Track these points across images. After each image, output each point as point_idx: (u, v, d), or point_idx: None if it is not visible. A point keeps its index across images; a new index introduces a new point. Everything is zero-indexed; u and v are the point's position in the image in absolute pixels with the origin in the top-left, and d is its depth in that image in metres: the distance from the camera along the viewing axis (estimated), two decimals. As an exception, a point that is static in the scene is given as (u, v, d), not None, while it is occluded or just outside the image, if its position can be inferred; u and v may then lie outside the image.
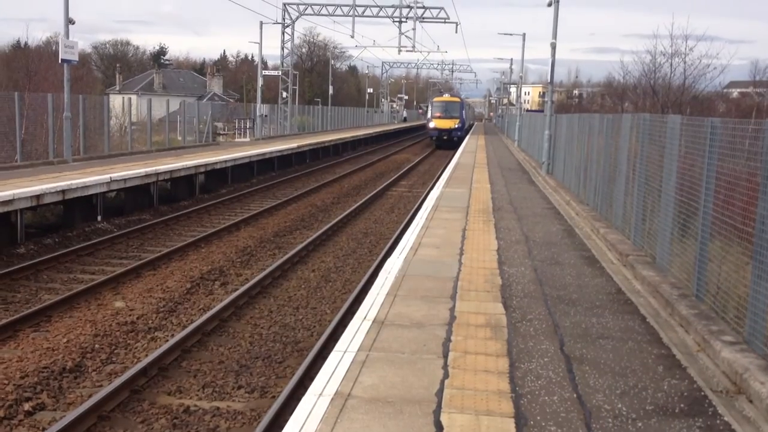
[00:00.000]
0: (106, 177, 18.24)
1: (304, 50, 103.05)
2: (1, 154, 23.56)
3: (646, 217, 11.13)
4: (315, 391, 5.74)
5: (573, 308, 8.37)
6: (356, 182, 30.63)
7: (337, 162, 40.84)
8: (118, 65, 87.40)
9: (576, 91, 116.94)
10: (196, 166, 23.73)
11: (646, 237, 11.04)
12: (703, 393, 6.03)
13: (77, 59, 24.72)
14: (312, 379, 6.25)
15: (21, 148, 22.72)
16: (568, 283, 9.57)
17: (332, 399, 5.57)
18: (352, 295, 11.85)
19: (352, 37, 48.61)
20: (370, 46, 62.10)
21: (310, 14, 46.69)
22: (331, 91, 69.11)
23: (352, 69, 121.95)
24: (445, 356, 6.57)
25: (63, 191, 16.38)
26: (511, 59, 74.82)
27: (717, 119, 8.41)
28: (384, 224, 19.93)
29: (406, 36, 48.53)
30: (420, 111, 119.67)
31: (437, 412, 5.40)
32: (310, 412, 5.35)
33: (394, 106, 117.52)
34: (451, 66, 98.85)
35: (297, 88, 54.41)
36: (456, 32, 53.21)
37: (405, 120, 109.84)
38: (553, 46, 26.45)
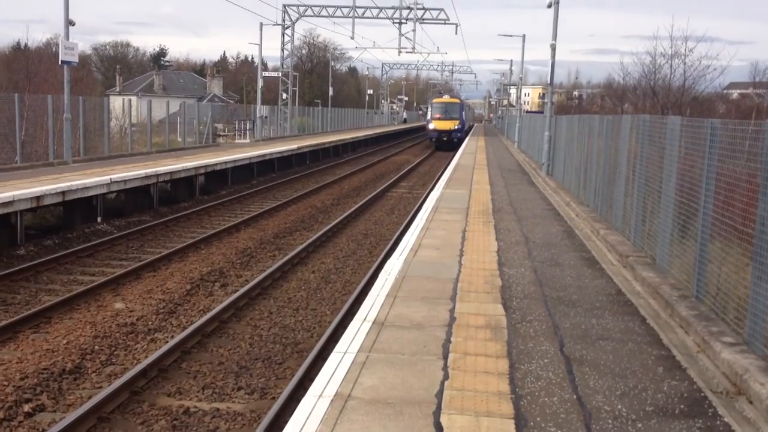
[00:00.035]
0: (106, 178, 18.25)
1: (304, 51, 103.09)
2: (1, 155, 23.58)
3: (646, 219, 11.13)
4: (315, 392, 5.74)
5: (573, 309, 8.36)
6: (356, 183, 30.64)
7: (337, 163, 40.85)
8: (118, 67, 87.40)
9: (576, 93, 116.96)
10: (196, 168, 23.74)
11: (646, 238, 11.04)
12: (703, 394, 6.03)
13: (77, 61, 24.72)
14: (312, 380, 6.25)
15: (21, 149, 22.73)
16: (568, 285, 9.56)
17: (332, 400, 5.57)
18: (352, 296, 11.85)
19: (352, 38, 48.69)
20: (370, 47, 62.07)
21: (310, 15, 46.72)
22: (331, 92, 69.14)
23: (352, 70, 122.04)
24: (445, 357, 6.57)
25: (63, 192, 16.38)
26: (511, 60, 74.83)
27: (717, 120, 8.41)
28: (384, 225, 19.94)
29: (406, 37, 48.57)
30: (420, 112, 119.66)
31: (437, 413, 5.40)
32: (309, 414, 5.35)
33: (394, 107, 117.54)
34: (451, 67, 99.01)
35: (297, 89, 54.46)
36: (456, 33, 53.41)
37: (405, 121, 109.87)
38: (553, 48, 26.46)
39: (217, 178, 26.36)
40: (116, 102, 35.09)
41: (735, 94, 67.96)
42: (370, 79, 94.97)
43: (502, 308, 8.25)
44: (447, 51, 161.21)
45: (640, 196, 11.47)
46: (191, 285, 12.73)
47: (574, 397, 5.83)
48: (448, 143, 54.33)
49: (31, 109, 25.25)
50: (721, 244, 7.77)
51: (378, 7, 45.76)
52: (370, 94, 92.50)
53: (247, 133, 43.74)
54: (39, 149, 25.02)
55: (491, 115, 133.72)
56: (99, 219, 18.36)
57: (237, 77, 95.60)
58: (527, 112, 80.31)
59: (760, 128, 6.93)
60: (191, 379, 8.58)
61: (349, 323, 7.70)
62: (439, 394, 5.73)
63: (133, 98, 40.70)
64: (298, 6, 46.36)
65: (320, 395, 5.67)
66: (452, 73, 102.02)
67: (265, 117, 45.40)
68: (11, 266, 13.50)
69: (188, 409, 7.72)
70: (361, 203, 23.36)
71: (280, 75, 48.88)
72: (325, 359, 6.74)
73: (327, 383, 5.91)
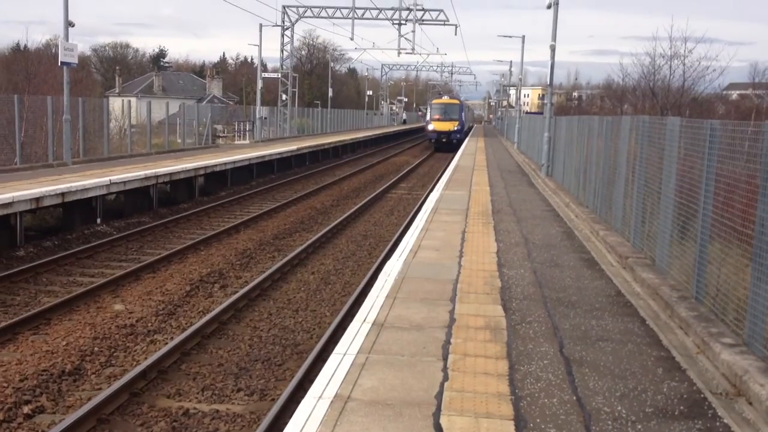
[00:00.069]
0: (105, 179, 18.25)
1: (303, 53, 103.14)
2: (1, 156, 23.57)
3: (645, 220, 11.13)
4: (314, 393, 5.74)
5: (572, 310, 8.36)
6: (356, 185, 30.64)
7: (336, 164, 40.85)
8: (118, 68, 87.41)
9: (575, 93, 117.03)
10: (196, 169, 23.73)
11: (645, 239, 11.04)
12: (702, 395, 6.03)
13: (77, 62, 24.71)
14: (311, 381, 6.24)
15: (20, 150, 22.72)
16: (567, 286, 9.56)
17: (332, 402, 5.57)
18: (352, 297, 11.85)
19: (352, 39, 48.74)
20: (369, 48, 62.19)
21: (310, 17, 46.74)
22: (330, 93, 69.20)
23: (352, 71, 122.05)
24: (445, 359, 6.57)
25: (62, 194, 16.38)
26: (511, 61, 74.86)
27: (716, 121, 8.41)
28: (383, 227, 19.94)
29: (405, 38, 48.60)
30: (419, 113, 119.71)
31: (437, 414, 5.40)
32: (309, 415, 5.34)
33: (394, 108, 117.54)
34: (450, 68, 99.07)
35: (296, 90, 54.47)
36: (455, 34, 53.49)
37: (404, 122, 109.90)
38: (553, 49, 26.47)
39: (216, 179, 26.36)
40: (116, 103, 35.12)
41: (734, 95, 68.00)
42: (369, 80, 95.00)
43: (502, 309, 8.25)
44: (446, 52, 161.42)
45: (639, 197, 11.47)
46: (191, 286, 12.72)
47: (574, 398, 5.82)
48: (447, 144, 54.22)
49: (31, 111, 25.25)
50: (721, 245, 7.77)
51: (377, 8, 45.82)
52: (369, 95, 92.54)
53: (247, 134, 43.75)
54: (38, 150, 25.01)
55: (491, 116, 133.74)
56: (98, 220, 18.35)
57: (236, 78, 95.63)
58: (527, 113, 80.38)
59: (760, 129, 6.93)
60: (191, 381, 8.57)
61: (348, 324, 7.70)
62: (439, 396, 5.73)
63: (133, 99, 40.74)
64: (297, 7, 46.41)
65: (320, 397, 5.67)
66: (452, 74, 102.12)
67: (265, 118, 45.41)
68: (11, 267, 13.49)
69: (188, 411, 7.72)
70: (360, 204, 23.36)
71: (279, 76, 48.90)
72: (324, 360, 6.73)
73: (327, 385, 5.91)
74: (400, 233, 17.43)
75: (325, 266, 14.77)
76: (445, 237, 12.70)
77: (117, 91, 77.56)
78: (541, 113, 40.98)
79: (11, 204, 14.69)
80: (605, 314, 8.28)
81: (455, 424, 5.25)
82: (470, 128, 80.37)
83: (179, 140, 35.91)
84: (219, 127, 45.47)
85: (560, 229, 14.37)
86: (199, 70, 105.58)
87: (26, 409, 7.60)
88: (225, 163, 26.33)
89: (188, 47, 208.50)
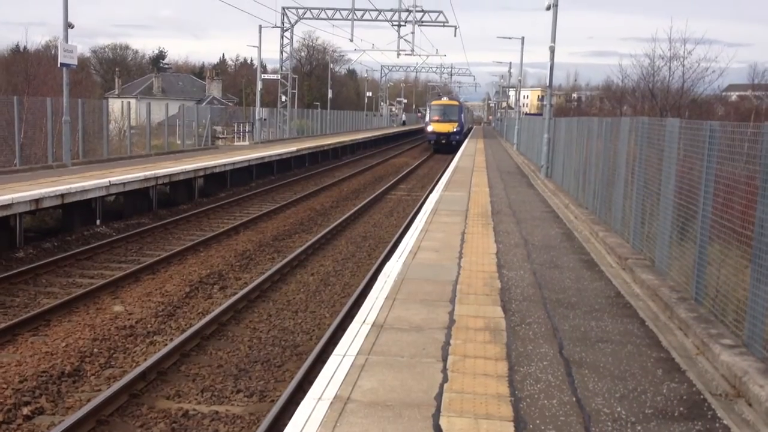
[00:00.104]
0: (105, 181, 18.24)
1: (303, 54, 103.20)
2: (0, 158, 23.56)
3: (645, 221, 11.13)
4: (314, 395, 5.74)
5: (572, 312, 8.36)
6: (355, 186, 30.64)
7: (336, 165, 40.86)
8: (117, 69, 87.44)
9: (575, 95, 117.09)
10: (195, 170, 23.73)
11: (645, 240, 11.04)
12: (702, 396, 6.03)
13: (76, 63, 24.72)
14: (311, 383, 6.25)
15: (20, 152, 22.71)
16: (567, 287, 9.56)
17: (331, 403, 5.57)
18: (351, 298, 11.85)
19: (351, 40, 48.79)
20: (369, 49, 62.34)
21: (309, 18, 46.81)
22: (330, 94, 69.24)
23: (351, 72, 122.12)
24: (445, 360, 6.57)
25: (62, 195, 16.38)
26: (510, 63, 74.98)
27: (715, 122, 8.42)
28: (383, 228, 19.94)
29: (405, 39, 48.64)
30: (419, 114, 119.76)
31: (436, 415, 5.39)
32: (309, 416, 5.34)
33: (393, 109, 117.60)
34: (450, 69, 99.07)
35: (296, 91, 54.49)
36: (455, 36, 53.68)
37: (404, 123, 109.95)
38: (552, 50, 26.48)
39: (216, 180, 26.36)
40: (115, 104, 35.14)
41: (734, 96, 68.07)
42: (369, 82, 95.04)
43: (502, 310, 8.25)
44: (446, 53, 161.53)
45: (639, 198, 11.48)
46: (190, 287, 12.72)
47: (574, 399, 5.82)
48: (446, 146, 54.15)
49: (30, 112, 25.24)
50: (720, 246, 7.77)
51: (377, 10, 45.85)
52: (369, 97, 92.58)
53: (246, 136, 43.75)
54: (38, 152, 25.00)
55: (490, 117, 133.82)
56: (98, 222, 18.35)
57: (236, 80, 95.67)
58: (526, 114, 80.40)
59: (759, 130, 6.94)
60: (190, 382, 8.57)
61: (348, 326, 7.70)
62: (439, 397, 5.73)
63: (132, 101, 40.74)
64: (297, 8, 46.45)
65: (319, 398, 5.67)
66: (451, 75, 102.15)
67: (264, 119, 45.43)
68: (10, 269, 13.49)
69: (187, 412, 7.72)
70: (360, 206, 23.36)
71: (279, 77, 48.92)
72: (324, 362, 6.73)
73: (326, 386, 5.91)
74: (400, 234, 17.43)
75: (324, 267, 14.77)
76: (444, 238, 12.70)
77: (116, 92, 77.58)
78: (541, 114, 41.00)
79: (11, 205, 14.68)
80: (605, 315, 8.29)
81: (455, 425, 5.25)
82: (470, 129, 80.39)
83: (179, 141, 35.94)
84: (218, 128, 45.49)
85: (560, 231, 14.37)
86: (199, 72, 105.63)
87: (26, 411, 7.59)
88: (224, 165, 26.33)
89: (188, 49, 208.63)
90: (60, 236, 16.70)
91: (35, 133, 25.58)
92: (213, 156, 29.16)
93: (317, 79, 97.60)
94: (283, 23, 46.64)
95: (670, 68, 40.05)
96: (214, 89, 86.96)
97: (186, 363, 9.17)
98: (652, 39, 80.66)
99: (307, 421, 5.26)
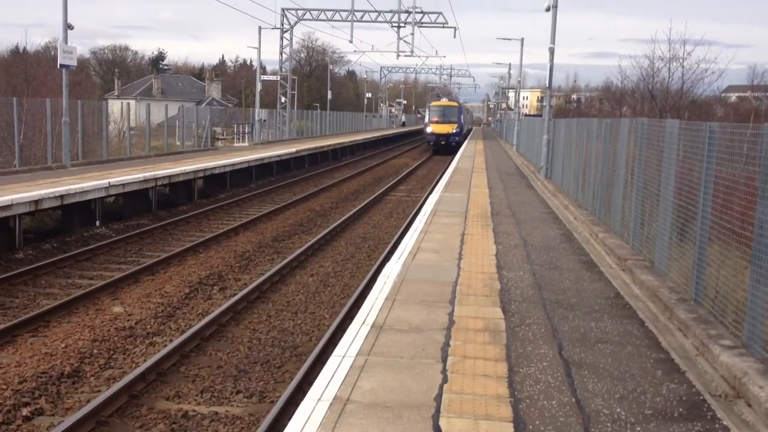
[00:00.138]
0: (104, 182, 18.24)
1: (302, 55, 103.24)
2: (0, 159, 23.55)
3: (644, 222, 11.14)
4: (314, 396, 5.74)
5: (572, 313, 8.37)
6: (355, 187, 30.65)
7: (335, 167, 40.86)
8: (117, 70, 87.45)
9: (574, 96, 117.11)
10: (195, 171, 23.73)
11: (644, 241, 11.05)
12: (701, 397, 6.03)
13: (76, 64, 24.71)
14: (311, 384, 6.25)
15: (19, 153, 22.71)
16: (566, 288, 9.57)
17: (331, 404, 5.57)
18: (351, 299, 11.85)
19: (351, 42, 48.81)
20: (368, 51, 62.47)
21: (309, 19, 46.82)
22: (329, 95, 69.23)
23: (351, 74, 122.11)
24: (444, 361, 6.57)
25: (61, 196, 16.38)
26: (510, 64, 74.97)
27: (715, 124, 8.42)
28: (383, 229, 19.94)
29: (404, 41, 48.65)
30: (418, 116, 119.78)
31: (436, 416, 5.39)
32: (308, 417, 5.34)
33: (393, 110, 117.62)
34: (449, 71, 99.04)
35: (296, 92, 54.49)
36: (454, 37, 53.62)
37: (403, 125, 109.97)
38: (551, 51, 26.49)
39: (215, 181, 26.35)
40: (115, 106, 35.13)
41: (733, 97, 68.08)
42: (368, 83, 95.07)
43: (501, 311, 8.25)
44: (445, 54, 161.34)
45: (638, 199, 11.48)
46: (190, 289, 12.72)
47: (573, 400, 5.82)
48: (446, 147, 54.07)
49: (30, 113, 25.23)
50: (720, 247, 7.77)
51: (376, 11, 45.87)
52: (368, 98, 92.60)
53: (246, 137, 43.76)
54: (37, 153, 25.00)
55: (490, 118, 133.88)
56: (97, 223, 18.34)
57: (236, 81, 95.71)
58: (526, 115, 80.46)
59: (759, 131, 6.94)
60: (190, 383, 8.57)
61: (347, 327, 7.70)
62: (438, 398, 5.73)
63: (132, 102, 40.74)
64: (296, 10, 46.46)
65: (319, 399, 5.67)
66: (451, 76, 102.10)
67: (264, 120, 45.43)
68: (10, 270, 13.49)
69: (187, 413, 7.71)
70: (359, 206, 23.36)
71: (278, 78, 48.93)
72: (323, 363, 6.73)
73: (326, 387, 5.91)
74: (399, 235, 17.42)
75: (324, 268, 14.77)
76: (444, 239, 12.70)
77: (116, 93, 77.56)
78: (540, 116, 41.02)
79: (10, 206, 14.68)
80: (604, 316, 8.29)
81: (454, 426, 5.25)
82: (469, 131, 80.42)
83: (178, 143, 35.91)
84: (218, 129, 45.50)
85: (559, 232, 14.37)
86: (198, 73, 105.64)
87: (25, 411, 7.59)
88: (224, 166, 26.33)
89: (187, 50, 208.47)
90: (59, 237, 16.70)
91: (35, 135, 25.57)
92: (212, 157, 29.16)
93: (317, 81, 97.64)
94: (282, 24, 46.67)
95: (669, 69, 40.12)
96: (214, 90, 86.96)
97: (185, 364, 9.16)
98: (652, 40, 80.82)
99: (306, 422, 5.26)
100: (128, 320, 10.78)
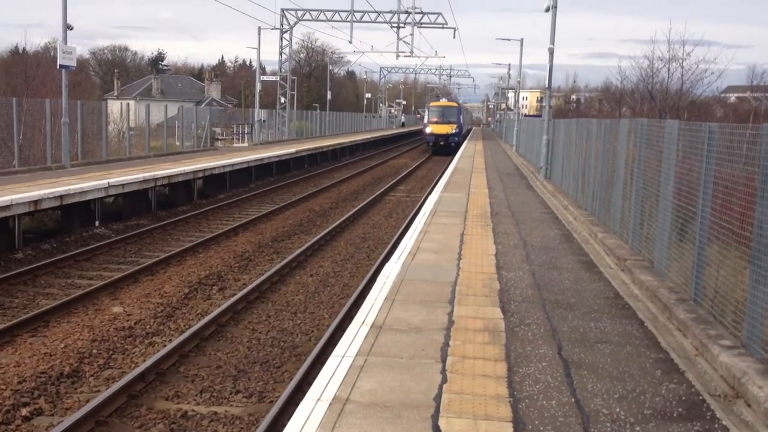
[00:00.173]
0: (104, 182, 18.24)
1: (302, 56, 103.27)
2: (-1, 159, 23.57)
3: (644, 222, 11.14)
4: (313, 396, 5.74)
5: (571, 313, 8.37)
6: (354, 187, 30.65)
7: (335, 167, 40.87)
8: (116, 71, 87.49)
9: (574, 96, 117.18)
10: (194, 172, 23.73)
11: (644, 241, 11.05)
12: (701, 397, 6.03)
13: (75, 65, 24.70)
14: (310, 384, 6.25)
15: (19, 153, 22.71)
16: (566, 288, 9.57)
17: (330, 404, 5.57)
18: (351, 299, 11.85)
19: (350, 42, 48.83)
20: (368, 51, 62.49)
21: (308, 19, 46.80)
22: (329, 96, 69.25)
23: (350, 74, 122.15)
24: (444, 361, 6.57)
25: (61, 197, 16.38)
26: (509, 64, 75.00)
27: (714, 124, 8.42)
28: (382, 229, 19.94)
29: (404, 41, 48.68)
30: (418, 116, 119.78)
31: (435, 416, 5.39)
32: (308, 417, 5.34)
33: (392, 111, 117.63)
34: (449, 71, 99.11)
35: (295, 93, 54.50)
36: (454, 37, 53.57)
37: (403, 125, 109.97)
38: (551, 52, 26.50)
39: (215, 181, 26.35)
40: (114, 106, 35.12)
41: (732, 97, 68.14)
42: (368, 83, 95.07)
43: (501, 312, 8.25)
44: (445, 55, 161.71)
45: (638, 199, 11.49)
46: (189, 289, 12.72)
47: (573, 400, 5.83)
48: (445, 147, 54.01)
49: (29, 113, 25.24)
50: (719, 247, 7.78)
51: (376, 11, 45.87)
52: (368, 98, 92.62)
53: (246, 137, 43.76)
54: (37, 153, 24.99)
55: (489, 118, 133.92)
56: (97, 223, 18.34)
57: (235, 81, 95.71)
58: (525, 115, 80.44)
59: (758, 132, 6.94)
60: (189, 383, 8.57)
61: (347, 327, 7.70)
62: (438, 398, 5.73)
63: (131, 102, 40.73)
64: (296, 10, 46.45)
65: (318, 399, 5.67)
66: (450, 76, 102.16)
67: (264, 121, 45.43)
68: (9, 270, 13.48)
69: (186, 413, 7.71)
70: (359, 207, 23.36)
71: (278, 79, 48.93)
72: (323, 363, 6.73)
73: (325, 387, 5.91)
74: (399, 235, 17.42)
75: (323, 269, 14.77)
76: (443, 239, 12.70)
77: (115, 94, 77.57)
78: (540, 116, 41.03)
79: (9, 207, 14.68)
80: (604, 316, 8.29)
81: (454, 426, 5.25)
82: (468, 131, 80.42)
83: (178, 143, 35.90)
84: (217, 129, 45.49)
85: (559, 232, 14.37)
86: (198, 73, 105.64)
87: (24, 412, 7.59)
88: (223, 166, 26.33)
89: (187, 50, 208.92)
90: (59, 237, 16.70)
91: (34, 135, 25.57)
92: (212, 157, 29.16)
93: (316, 81, 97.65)
94: (282, 25, 46.66)
95: (669, 70, 40.17)
96: (213, 91, 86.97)
97: (185, 364, 9.16)
98: (651, 41, 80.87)
99: (306, 422, 5.26)
100: (128, 320, 10.78)
